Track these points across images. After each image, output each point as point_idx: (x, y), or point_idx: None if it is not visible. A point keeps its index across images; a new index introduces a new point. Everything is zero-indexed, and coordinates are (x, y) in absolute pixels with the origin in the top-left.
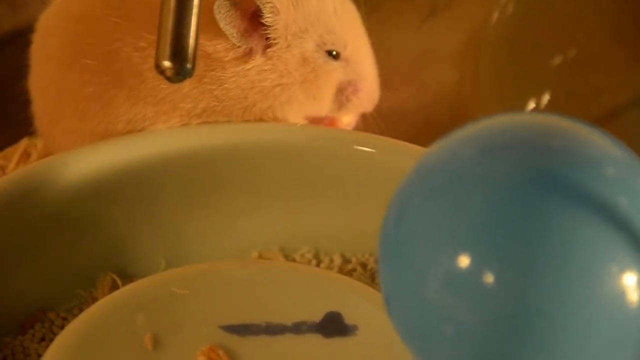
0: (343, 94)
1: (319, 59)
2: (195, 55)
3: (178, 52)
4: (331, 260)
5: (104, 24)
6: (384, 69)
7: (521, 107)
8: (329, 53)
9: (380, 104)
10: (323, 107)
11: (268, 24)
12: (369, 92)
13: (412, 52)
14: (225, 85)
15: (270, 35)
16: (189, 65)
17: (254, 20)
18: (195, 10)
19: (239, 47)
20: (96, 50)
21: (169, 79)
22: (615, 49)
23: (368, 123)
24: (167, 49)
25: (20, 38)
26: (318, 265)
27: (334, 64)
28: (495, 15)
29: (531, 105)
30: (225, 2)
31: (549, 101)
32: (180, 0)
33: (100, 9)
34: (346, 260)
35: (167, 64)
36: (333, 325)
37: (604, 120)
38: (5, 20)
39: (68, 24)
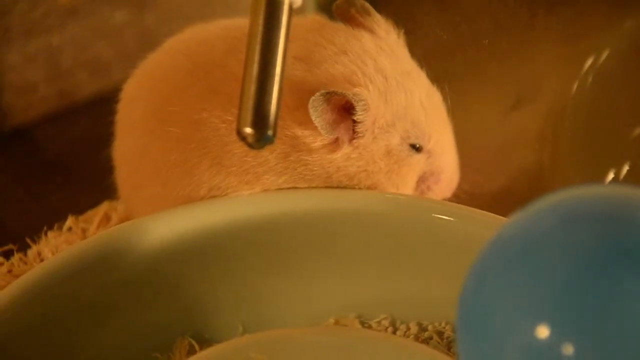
0: (425, 183)
1: (402, 152)
2: (277, 123)
3: (260, 119)
4: (407, 328)
5: (188, 93)
6: (467, 157)
7: (600, 178)
8: (413, 146)
9: (461, 187)
10: (405, 193)
11: (358, 120)
12: (449, 182)
13: (496, 141)
14: (310, 166)
15: (358, 129)
16: (270, 132)
17: (342, 112)
18: (277, 79)
19: (326, 136)
20: (180, 118)
21: (250, 145)
22: None
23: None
24: (248, 116)
25: (103, 103)
26: (394, 332)
27: (417, 156)
28: (574, 87)
29: (610, 176)
30: (321, 97)
31: (628, 172)
32: (263, 67)
33: (185, 78)
34: (422, 328)
35: (248, 130)
36: None
37: None
38: (87, 86)
39: (151, 93)
